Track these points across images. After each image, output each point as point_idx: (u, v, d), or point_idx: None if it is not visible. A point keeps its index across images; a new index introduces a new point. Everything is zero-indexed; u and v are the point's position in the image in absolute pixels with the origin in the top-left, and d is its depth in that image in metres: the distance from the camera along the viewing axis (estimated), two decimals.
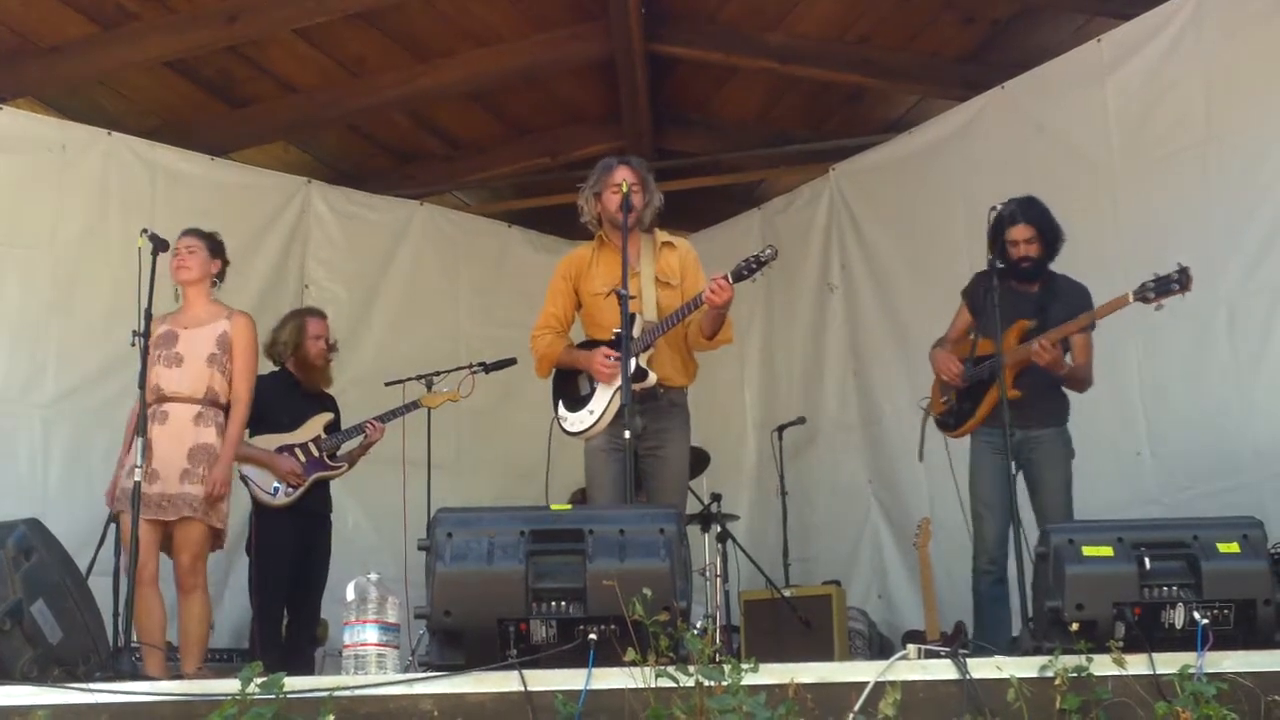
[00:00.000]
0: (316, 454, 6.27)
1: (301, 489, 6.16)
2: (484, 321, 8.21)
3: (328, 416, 6.40)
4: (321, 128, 8.13)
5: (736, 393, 8.35)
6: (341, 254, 7.94)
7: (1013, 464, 4.72)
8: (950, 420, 5.47)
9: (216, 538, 5.24)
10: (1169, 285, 4.87)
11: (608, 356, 4.85)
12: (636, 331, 4.85)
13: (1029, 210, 5.24)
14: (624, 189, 4.87)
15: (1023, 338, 5.23)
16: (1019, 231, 5.23)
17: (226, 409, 5.27)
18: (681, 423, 5.03)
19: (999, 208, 4.89)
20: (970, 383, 5.35)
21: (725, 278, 4.71)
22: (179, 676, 4.87)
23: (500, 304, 8.23)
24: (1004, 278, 5.16)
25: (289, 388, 6.32)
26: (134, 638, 4.58)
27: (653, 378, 4.88)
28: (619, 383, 4.70)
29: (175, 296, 5.29)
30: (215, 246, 5.43)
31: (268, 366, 6.38)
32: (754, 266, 4.74)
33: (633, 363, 4.73)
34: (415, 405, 6.64)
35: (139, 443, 4.58)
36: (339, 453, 6.38)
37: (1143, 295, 4.93)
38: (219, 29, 6.98)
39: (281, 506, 6.13)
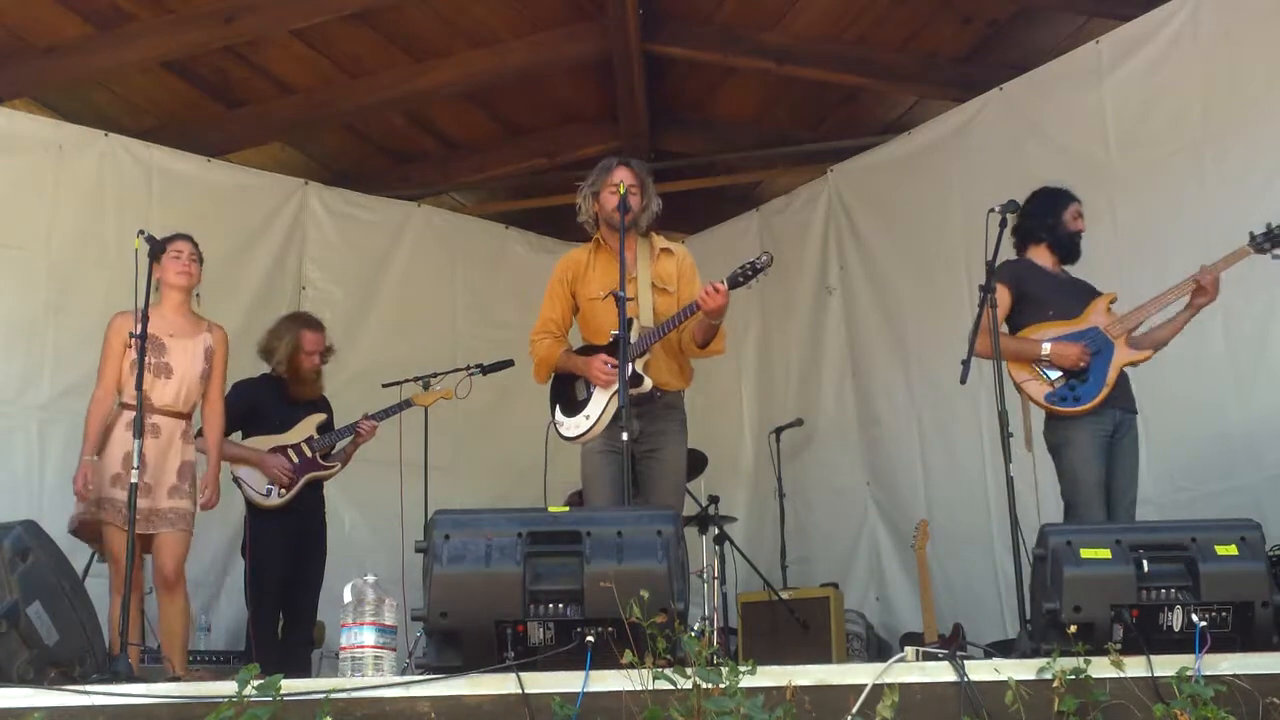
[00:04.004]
0: (309, 454, 6.26)
1: (294, 489, 6.16)
2: (481, 322, 8.21)
3: (320, 417, 6.39)
4: (318, 128, 8.12)
5: (734, 395, 8.35)
6: (338, 255, 7.94)
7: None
8: (1077, 395, 5.14)
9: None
10: (1278, 238, 5.07)
11: (606, 363, 4.83)
12: (633, 337, 4.83)
13: None
14: (620, 190, 4.86)
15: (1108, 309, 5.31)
16: (1078, 206, 5.42)
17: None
18: (679, 425, 5.02)
19: (997, 209, 4.88)
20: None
21: (720, 284, 4.70)
22: (175, 679, 4.86)
23: (497, 305, 8.23)
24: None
25: (280, 390, 6.32)
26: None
27: (648, 383, 4.86)
28: (616, 388, 4.68)
29: (154, 289, 5.10)
30: (202, 259, 5.44)
31: (260, 368, 6.38)
32: (750, 273, 4.71)
33: (629, 368, 4.72)
34: (408, 404, 6.63)
35: (135, 445, 4.53)
36: (333, 452, 6.37)
37: (1258, 245, 5.09)
38: (216, 29, 6.97)
39: (275, 508, 6.12)
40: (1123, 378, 5.20)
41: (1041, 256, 5.42)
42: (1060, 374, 5.17)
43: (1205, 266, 5.18)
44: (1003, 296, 5.25)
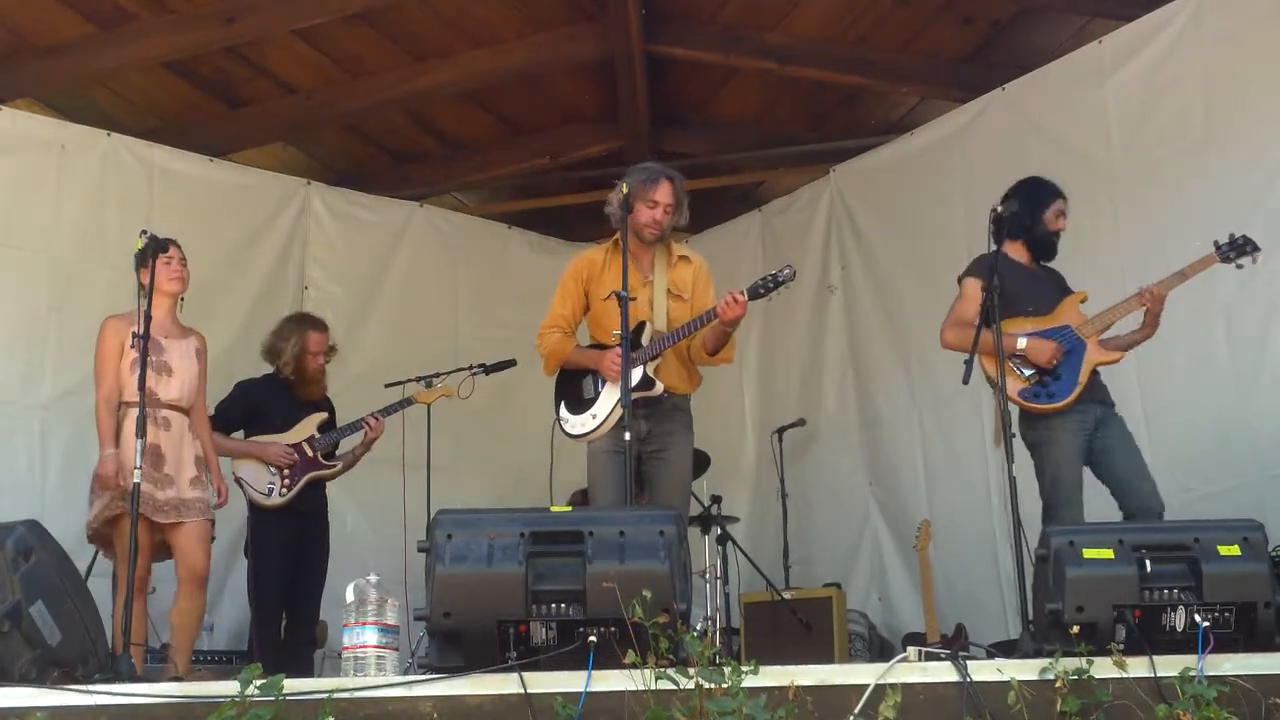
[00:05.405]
0: (310, 454, 6.25)
1: (295, 489, 6.15)
2: (482, 323, 8.20)
3: (321, 416, 6.38)
4: (320, 128, 8.12)
5: (736, 395, 8.34)
6: (340, 255, 7.94)
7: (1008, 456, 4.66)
8: (1053, 390, 5.12)
9: None
10: (1242, 248, 5.03)
11: (620, 357, 4.83)
12: (646, 340, 4.85)
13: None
14: (623, 190, 4.88)
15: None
16: (1061, 205, 5.38)
17: None
18: (684, 426, 5.04)
19: (999, 209, 4.88)
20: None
21: (741, 294, 4.69)
22: (177, 678, 4.87)
23: (499, 305, 8.23)
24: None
25: (282, 390, 6.32)
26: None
27: (659, 387, 4.88)
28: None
29: (139, 293, 5.08)
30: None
31: (263, 369, 6.38)
32: (771, 285, 4.74)
33: (640, 371, 4.73)
34: (409, 402, 6.62)
35: (138, 444, 4.55)
36: (337, 451, 6.37)
37: (1224, 255, 5.07)
38: (217, 29, 6.97)
39: (277, 507, 6.12)
40: (1094, 375, 5.17)
41: (1017, 251, 5.37)
42: (1033, 371, 5.14)
43: (1146, 287, 5.14)
44: (975, 290, 5.22)
